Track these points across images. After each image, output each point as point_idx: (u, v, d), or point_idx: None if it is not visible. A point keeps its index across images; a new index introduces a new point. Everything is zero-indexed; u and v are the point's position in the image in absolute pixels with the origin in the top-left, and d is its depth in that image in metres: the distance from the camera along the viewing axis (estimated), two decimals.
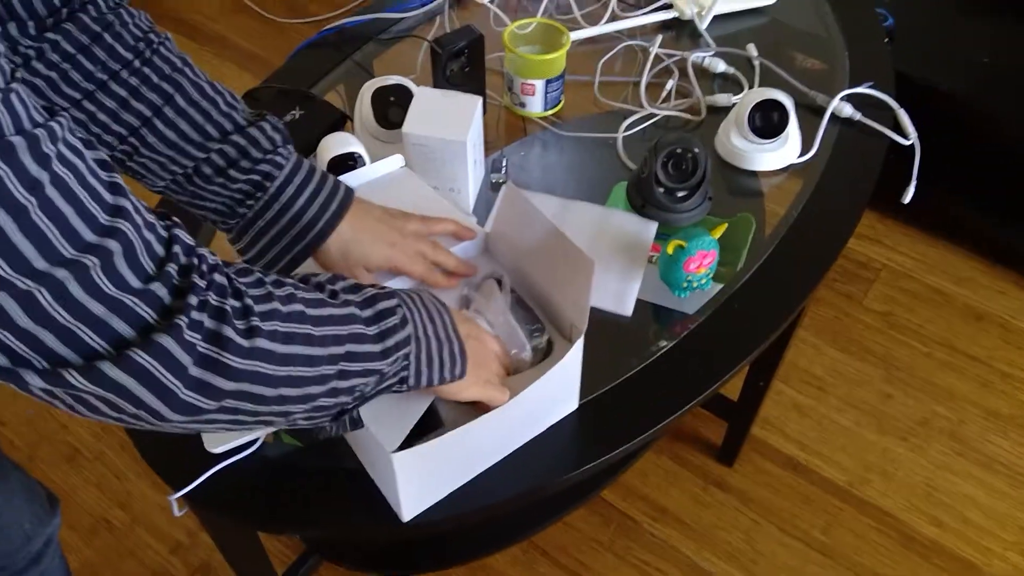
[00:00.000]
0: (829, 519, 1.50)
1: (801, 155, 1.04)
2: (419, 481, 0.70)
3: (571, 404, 0.80)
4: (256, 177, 0.68)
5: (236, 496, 0.76)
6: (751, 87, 1.11)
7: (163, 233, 0.48)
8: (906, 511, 1.51)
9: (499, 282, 0.78)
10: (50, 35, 0.64)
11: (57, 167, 0.41)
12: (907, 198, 1.09)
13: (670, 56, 1.16)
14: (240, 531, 0.97)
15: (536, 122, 1.09)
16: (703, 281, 0.87)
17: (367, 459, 0.75)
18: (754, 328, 0.87)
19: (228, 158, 0.68)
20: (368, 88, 1.01)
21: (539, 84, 1.06)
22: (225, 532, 0.97)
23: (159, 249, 0.46)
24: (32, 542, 0.97)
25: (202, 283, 0.47)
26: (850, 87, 1.09)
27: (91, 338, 0.43)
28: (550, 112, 1.10)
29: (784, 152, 1.02)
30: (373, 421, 0.66)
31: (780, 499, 1.52)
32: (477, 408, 0.71)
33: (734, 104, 1.07)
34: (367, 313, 0.58)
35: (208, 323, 0.47)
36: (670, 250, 0.84)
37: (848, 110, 1.07)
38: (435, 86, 1.04)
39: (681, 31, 1.21)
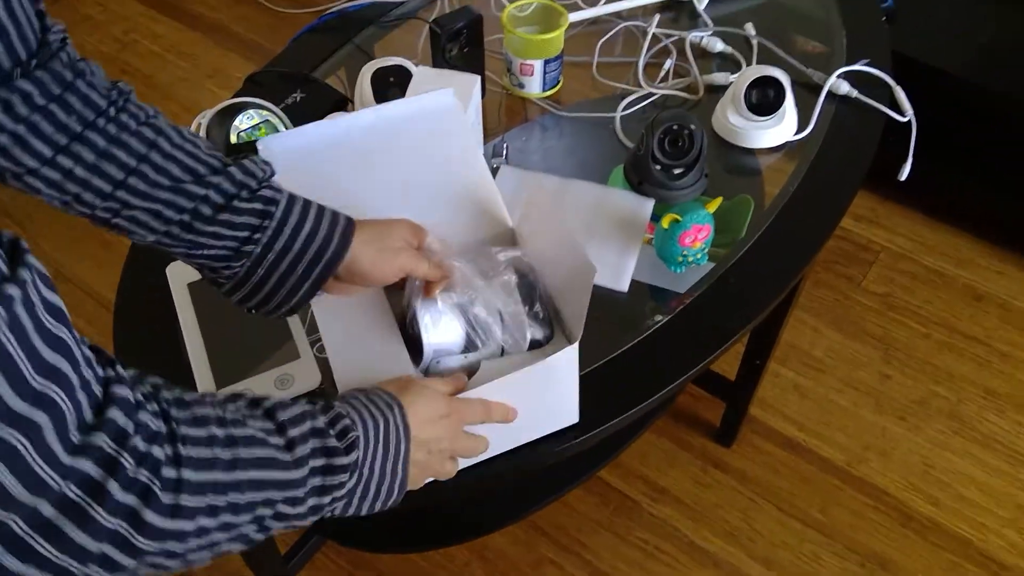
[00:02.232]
0: (827, 498, 1.51)
1: (798, 132, 1.04)
2: None
3: (570, 415, 0.78)
4: (259, 205, 0.64)
5: None
6: (749, 66, 1.12)
7: (97, 392, 0.44)
8: (903, 490, 1.52)
9: (519, 274, 0.75)
10: (22, 84, 0.56)
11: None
12: (903, 175, 1.10)
13: (668, 36, 1.17)
14: None
15: (536, 106, 1.10)
16: (698, 256, 0.88)
17: None
18: (748, 303, 0.89)
19: (227, 193, 0.63)
20: (368, 69, 1.02)
21: (537, 64, 1.07)
22: None
23: (87, 415, 0.43)
24: None
25: (130, 462, 0.44)
26: (847, 65, 1.10)
27: (13, 521, 0.40)
28: (549, 93, 1.11)
29: (781, 129, 1.02)
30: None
31: (778, 479, 1.54)
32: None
33: (731, 83, 1.08)
34: (318, 464, 0.56)
35: (132, 502, 0.44)
36: (665, 224, 0.85)
37: (845, 87, 1.07)
38: (435, 67, 1.04)
39: (679, 11, 1.22)
